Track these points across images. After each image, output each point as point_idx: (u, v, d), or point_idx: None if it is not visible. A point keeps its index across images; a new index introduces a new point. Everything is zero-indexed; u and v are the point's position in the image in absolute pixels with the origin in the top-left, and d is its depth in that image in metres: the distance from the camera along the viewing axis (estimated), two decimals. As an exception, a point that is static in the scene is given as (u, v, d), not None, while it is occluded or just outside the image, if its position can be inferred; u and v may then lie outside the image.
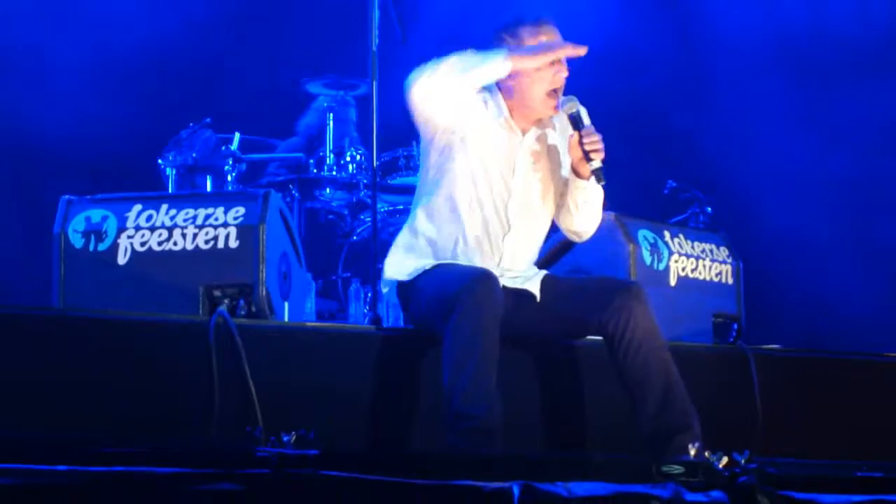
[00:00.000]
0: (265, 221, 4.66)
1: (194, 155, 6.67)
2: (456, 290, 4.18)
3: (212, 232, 4.66)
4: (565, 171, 4.60)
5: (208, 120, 6.83)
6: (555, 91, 4.49)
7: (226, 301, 4.58)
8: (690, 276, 5.33)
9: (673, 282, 5.27)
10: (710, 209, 7.06)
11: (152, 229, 4.68)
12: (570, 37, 4.50)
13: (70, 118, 7.29)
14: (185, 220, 4.69)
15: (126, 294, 4.60)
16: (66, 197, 4.80)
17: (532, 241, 4.62)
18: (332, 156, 6.93)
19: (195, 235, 4.67)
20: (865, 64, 7.68)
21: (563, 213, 4.62)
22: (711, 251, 5.44)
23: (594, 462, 3.51)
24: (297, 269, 5.05)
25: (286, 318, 4.86)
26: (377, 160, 5.78)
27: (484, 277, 4.24)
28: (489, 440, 4.09)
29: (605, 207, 4.66)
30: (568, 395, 4.72)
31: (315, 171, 6.97)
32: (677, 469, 3.48)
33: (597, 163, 4.43)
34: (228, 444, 4.05)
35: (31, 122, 7.25)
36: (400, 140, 6.79)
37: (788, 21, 7.93)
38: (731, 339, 5.39)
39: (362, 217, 7.01)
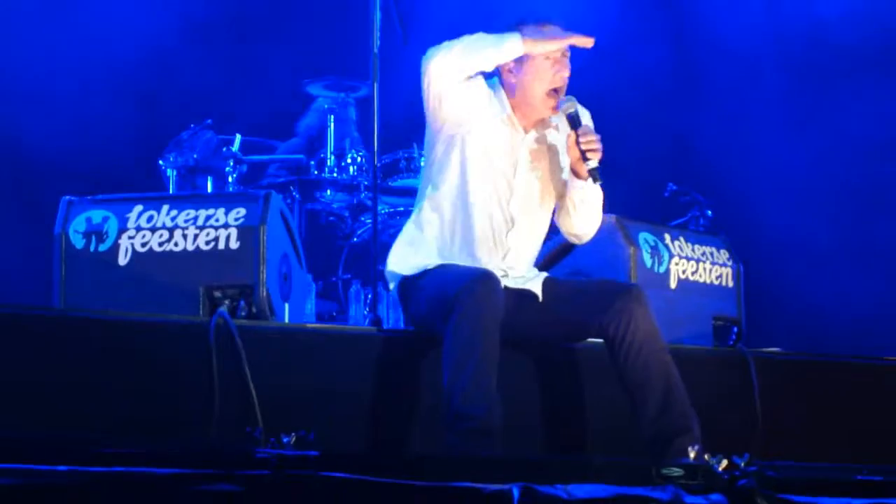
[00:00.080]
0: (266, 222, 4.66)
1: (195, 156, 6.67)
2: (456, 290, 4.19)
3: (212, 233, 4.67)
4: (566, 172, 4.61)
5: (209, 121, 6.83)
6: (555, 91, 4.50)
7: (226, 302, 4.58)
8: (691, 278, 5.33)
9: (673, 284, 5.27)
10: (710, 212, 7.06)
11: (153, 230, 4.69)
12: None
13: (71, 119, 7.30)
14: (185, 221, 4.69)
15: (127, 295, 4.60)
16: (67, 197, 4.81)
17: (534, 238, 4.63)
18: (332, 157, 6.94)
19: (196, 236, 4.67)
20: (866, 67, 7.68)
21: (563, 214, 4.64)
22: (712, 254, 5.45)
23: (594, 464, 3.51)
24: (297, 270, 5.05)
25: (286, 320, 4.86)
26: (378, 162, 5.78)
27: (484, 278, 4.24)
28: (489, 441, 4.10)
29: (606, 210, 4.66)
30: (568, 397, 4.73)
31: (316, 172, 6.97)
32: (677, 472, 3.48)
33: (593, 162, 4.45)
34: (228, 445, 4.05)
35: (32, 122, 7.25)
36: (401, 142, 6.80)
37: (788, 24, 7.93)
38: (732, 342, 5.39)
39: (363, 219, 7.01)
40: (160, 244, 4.67)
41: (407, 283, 4.51)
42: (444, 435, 4.17)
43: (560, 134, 4.60)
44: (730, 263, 5.48)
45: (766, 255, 7.33)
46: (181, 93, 7.56)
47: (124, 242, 4.68)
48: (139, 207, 4.74)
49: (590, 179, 4.48)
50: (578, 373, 4.74)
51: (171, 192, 6.55)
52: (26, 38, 7.44)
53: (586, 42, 4.45)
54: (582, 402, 4.73)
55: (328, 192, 6.98)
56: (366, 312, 6.41)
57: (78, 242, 4.70)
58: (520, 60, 4.48)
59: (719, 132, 7.95)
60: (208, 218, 4.69)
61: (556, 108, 4.53)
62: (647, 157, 7.65)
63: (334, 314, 6.80)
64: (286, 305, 4.87)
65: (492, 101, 4.54)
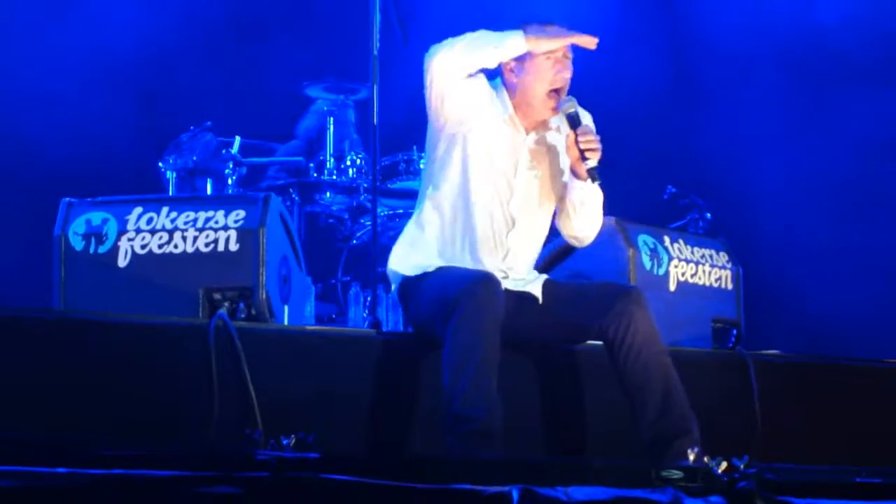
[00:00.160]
0: (265, 225, 4.66)
1: (195, 158, 6.67)
2: (457, 292, 4.19)
3: (212, 235, 4.67)
4: (566, 174, 4.61)
5: (209, 123, 6.84)
6: (555, 91, 4.51)
7: (226, 304, 4.58)
8: (690, 281, 5.33)
9: (672, 287, 5.27)
10: (709, 215, 7.07)
11: (153, 232, 4.69)
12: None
13: (71, 121, 7.30)
14: (185, 223, 4.69)
15: (126, 296, 4.60)
16: (67, 199, 4.81)
17: (534, 240, 4.64)
18: (332, 160, 6.94)
19: (195, 238, 4.67)
20: (865, 70, 7.69)
21: (563, 216, 4.64)
22: (711, 256, 5.45)
23: (594, 467, 3.51)
24: (296, 272, 5.05)
25: (286, 322, 4.86)
26: (377, 164, 5.77)
27: (485, 280, 4.24)
28: (488, 443, 4.10)
29: (605, 212, 4.67)
30: (568, 399, 4.73)
31: (315, 174, 6.98)
32: (676, 474, 3.48)
33: (592, 162, 4.45)
34: (228, 447, 4.05)
35: (32, 124, 7.26)
36: (400, 144, 6.80)
37: (787, 28, 7.94)
38: (731, 345, 5.40)
39: (362, 221, 7.01)
40: (160, 246, 4.67)
41: (408, 284, 4.52)
42: (444, 437, 4.17)
43: (561, 136, 4.60)
44: (729, 266, 5.48)
45: (766, 257, 7.34)
46: (181, 95, 7.57)
47: (124, 244, 4.68)
48: (139, 209, 4.74)
49: (589, 180, 4.48)
50: (578, 375, 4.74)
51: (170, 194, 6.56)
52: (26, 40, 7.45)
53: (589, 42, 4.46)
54: (581, 404, 4.73)
55: (328, 194, 6.98)
56: (365, 315, 6.42)
57: (77, 244, 4.70)
58: (521, 60, 4.49)
59: (719, 135, 7.95)
60: (208, 220, 4.69)
61: (556, 109, 4.53)
62: (647, 159, 7.65)
63: (334, 316, 6.80)
64: (286, 307, 4.87)
65: (494, 100, 4.55)
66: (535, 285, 4.54)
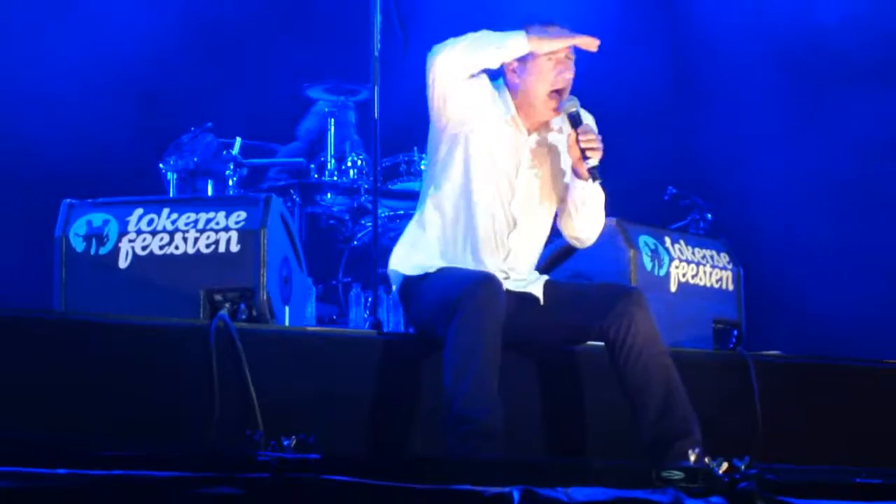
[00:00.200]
0: (266, 226, 4.66)
1: (195, 159, 6.67)
2: (458, 294, 4.19)
3: (213, 236, 4.67)
4: (568, 175, 4.61)
5: (209, 124, 6.84)
6: (557, 92, 4.51)
7: (227, 305, 4.58)
8: (691, 282, 5.33)
9: (673, 288, 5.27)
10: (710, 215, 7.06)
11: (154, 233, 4.69)
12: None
13: (71, 122, 7.30)
14: (186, 224, 4.70)
15: (127, 298, 4.60)
16: (68, 200, 4.81)
17: (535, 240, 4.64)
18: (332, 161, 6.94)
19: (196, 239, 4.67)
20: (865, 70, 7.68)
21: (565, 217, 4.64)
22: (712, 257, 5.45)
23: (594, 467, 3.51)
24: (297, 273, 5.05)
25: (287, 323, 4.86)
26: (378, 165, 5.78)
27: (486, 281, 4.25)
28: (489, 444, 4.10)
29: (606, 213, 4.67)
30: (568, 400, 4.73)
31: (316, 175, 6.98)
32: (677, 475, 3.48)
33: (593, 161, 4.46)
34: (229, 448, 4.05)
35: (33, 126, 7.26)
36: (401, 145, 6.80)
37: (787, 29, 7.94)
38: (732, 346, 5.40)
39: (363, 222, 7.01)
40: (160, 247, 4.67)
41: (408, 284, 4.52)
42: (445, 438, 4.17)
43: (563, 136, 4.60)
44: (730, 267, 5.48)
45: (766, 258, 7.34)
46: (182, 96, 7.57)
47: (125, 246, 4.68)
48: (139, 211, 4.74)
49: (590, 179, 4.49)
50: (579, 376, 4.74)
51: (171, 195, 6.56)
52: (27, 41, 7.45)
53: (591, 43, 4.46)
54: (582, 405, 4.73)
55: (328, 195, 6.98)
56: (366, 316, 6.42)
57: (78, 245, 4.70)
58: (523, 60, 4.49)
59: (719, 135, 7.96)
60: (209, 221, 4.69)
61: (557, 110, 4.53)
62: (648, 160, 7.65)
63: (334, 317, 6.80)
64: (286, 308, 4.87)
65: (496, 101, 4.55)
66: (536, 286, 4.54)
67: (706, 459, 3.62)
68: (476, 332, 4.15)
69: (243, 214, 4.70)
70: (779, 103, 7.94)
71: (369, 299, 6.32)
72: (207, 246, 4.66)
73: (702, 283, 5.37)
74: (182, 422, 4.26)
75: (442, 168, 4.56)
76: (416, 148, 6.83)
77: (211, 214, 4.71)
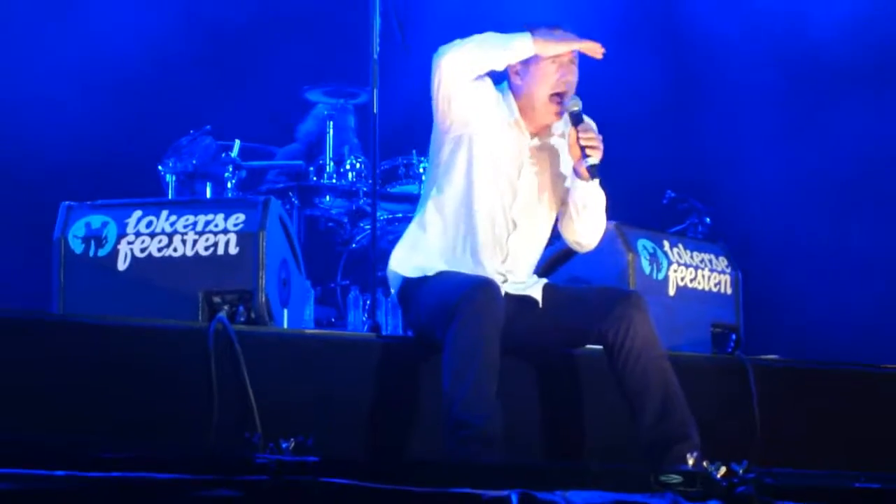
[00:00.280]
0: (265, 228, 4.66)
1: (194, 162, 6.67)
2: (457, 298, 4.20)
3: (212, 238, 4.67)
4: (569, 180, 4.61)
5: (208, 127, 6.83)
6: (558, 95, 4.51)
7: (225, 307, 4.58)
8: (689, 285, 5.33)
9: (672, 291, 5.27)
10: (708, 219, 7.06)
11: (152, 235, 4.69)
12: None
13: (70, 124, 7.30)
14: (185, 227, 4.69)
15: (126, 300, 4.60)
16: (67, 203, 4.81)
17: (535, 244, 4.64)
18: (331, 164, 6.94)
19: (195, 242, 4.67)
20: (864, 73, 7.70)
21: (566, 220, 4.64)
22: (710, 261, 5.45)
23: (592, 471, 3.52)
24: (296, 276, 5.05)
25: (285, 325, 4.86)
26: (377, 168, 5.78)
27: (485, 285, 4.25)
28: (488, 448, 4.10)
29: (606, 216, 4.67)
30: (567, 404, 4.73)
31: (315, 178, 6.97)
32: (675, 479, 3.48)
33: (593, 159, 4.46)
34: (227, 451, 4.05)
35: (32, 127, 7.26)
36: (400, 148, 6.80)
37: (785, 33, 7.94)
38: (730, 350, 5.39)
39: (361, 225, 7.01)
40: (159, 249, 4.67)
41: (408, 286, 4.52)
42: (444, 441, 4.17)
43: (565, 141, 4.60)
44: (728, 270, 5.48)
45: (765, 262, 7.34)
46: (180, 99, 7.56)
47: (123, 248, 4.68)
48: (138, 213, 4.74)
49: (593, 182, 4.49)
50: (577, 379, 4.74)
51: (170, 197, 6.55)
52: (26, 44, 7.45)
53: (596, 49, 4.47)
54: (580, 408, 4.73)
55: (327, 198, 6.98)
56: (364, 318, 6.42)
57: (77, 247, 4.70)
58: (527, 63, 4.50)
59: (718, 140, 7.96)
60: (207, 223, 4.69)
61: (559, 114, 4.53)
62: (647, 164, 7.65)
63: (333, 320, 6.80)
64: (285, 311, 4.87)
65: (500, 104, 4.55)
66: (535, 289, 4.54)
67: (704, 463, 3.62)
68: (475, 336, 4.15)
69: (242, 217, 4.70)
70: (777, 108, 7.95)
71: (368, 302, 6.32)
72: (206, 248, 4.66)
73: (700, 287, 5.37)
74: (180, 424, 4.26)
75: (444, 170, 4.56)
76: (414, 151, 6.83)
77: (210, 217, 4.71)
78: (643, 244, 5.23)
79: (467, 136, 4.51)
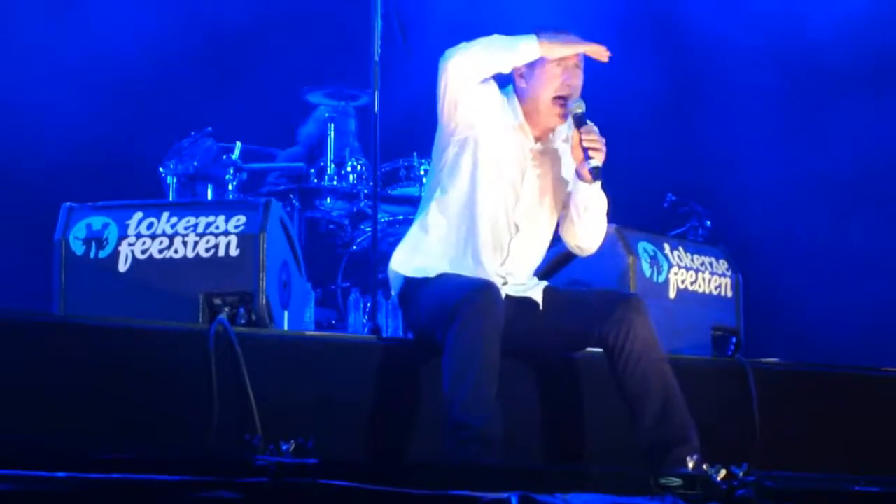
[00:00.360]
0: (266, 230, 4.66)
1: (195, 164, 6.67)
2: (457, 300, 4.20)
3: (212, 240, 4.67)
4: (571, 184, 4.62)
5: (209, 129, 6.84)
6: (562, 98, 4.51)
7: (226, 309, 4.58)
8: (690, 288, 5.33)
9: (672, 294, 5.27)
10: (709, 222, 7.07)
11: (153, 237, 4.69)
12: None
13: (71, 125, 7.30)
14: (185, 228, 4.70)
15: (126, 301, 4.60)
16: (67, 204, 4.81)
17: (536, 247, 4.64)
18: (332, 166, 6.94)
19: (196, 243, 4.67)
20: (864, 74, 7.70)
21: (567, 223, 4.64)
22: (711, 264, 5.45)
23: (592, 474, 3.52)
24: (297, 278, 5.05)
25: (286, 327, 4.86)
26: (378, 170, 5.78)
27: (485, 288, 4.25)
28: (488, 450, 4.10)
29: (607, 220, 4.67)
30: (567, 406, 4.73)
31: (315, 180, 6.98)
32: (675, 482, 3.48)
33: (595, 161, 4.46)
34: (227, 453, 4.05)
35: (33, 129, 7.26)
36: (401, 150, 6.80)
37: (784, 35, 7.94)
38: (730, 353, 5.40)
39: (362, 227, 7.01)
40: (160, 251, 4.67)
41: (408, 288, 4.52)
42: (444, 443, 4.17)
43: (569, 145, 4.60)
44: (729, 274, 5.48)
45: (765, 265, 7.34)
46: (181, 100, 7.57)
47: (124, 249, 4.68)
48: (139, 214, 4.74)
49: (596, 185, 4.49)
50: (577, 382, 4.74)
51: (171, 199, 6.56)
52: (26, 44, 7.45)
53: (601, 53, 4.48)
54: (580, 411, 4.73)
55: (328, 200, 6.98)
56: (365, 320, 6.42)
57: (78, 249, 4.70)
58: (531, 66, 4.51)
59: (718, 143, 7.96)
60: (208, 225, 4.70)
61: (562, 117, 4.54)
62: (647, 167, 7.65)
63: (333, 322, 6.81)
64: (285, 313, 4.87)
65: (505, 107, 4.56)
66: (535, 291, 4.55)
67: (704, 466, 3.62)
68: (475, 338, 4.16)
69: (243, 219, 4.70)
70: (777, 110, 7.95)
71: (368, 304, 6.32)
72: (207, 250, 4.66)
73: (700, 290, 5.38)
74: (181, 425, 4.26)
75: (448, 173, 4.56)
76: (415, 153, 6.83)
77: (211, 218, 4.71)
78: (644, 247, 5.24)
79: (472, 139, 4.52)
